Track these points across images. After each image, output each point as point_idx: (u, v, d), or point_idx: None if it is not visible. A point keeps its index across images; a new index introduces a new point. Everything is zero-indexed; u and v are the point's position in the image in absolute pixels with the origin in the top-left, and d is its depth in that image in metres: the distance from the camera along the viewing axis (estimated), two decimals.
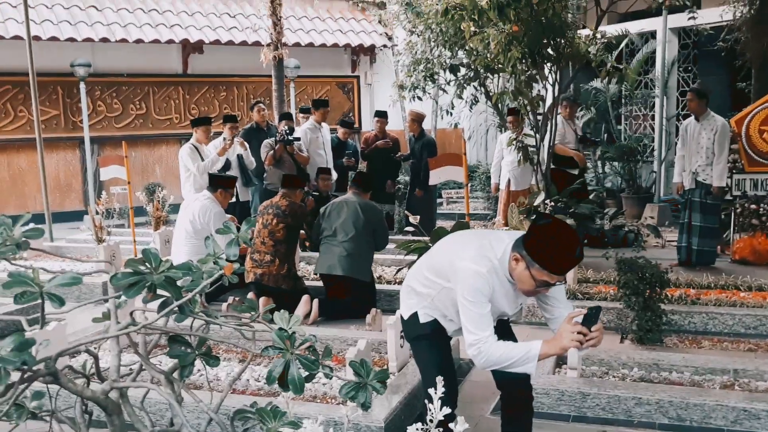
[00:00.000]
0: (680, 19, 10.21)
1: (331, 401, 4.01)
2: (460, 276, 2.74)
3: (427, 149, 9.41)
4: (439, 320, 3.02)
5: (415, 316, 3.05)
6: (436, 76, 9.31)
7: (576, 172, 8.31)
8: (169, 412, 3.70)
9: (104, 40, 11.85)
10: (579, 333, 2.53)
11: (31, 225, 1.74)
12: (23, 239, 1.69)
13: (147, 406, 2.17)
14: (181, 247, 6.26)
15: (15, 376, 1.61)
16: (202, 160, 7.99)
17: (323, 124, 9.07)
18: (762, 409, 3.66)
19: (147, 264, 1.67)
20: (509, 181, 8.80)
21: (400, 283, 6.51)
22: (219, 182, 6.50)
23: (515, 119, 8.71)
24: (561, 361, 4.41)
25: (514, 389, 3.00)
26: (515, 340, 3.05)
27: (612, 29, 9.97)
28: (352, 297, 6.00)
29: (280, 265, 6.01)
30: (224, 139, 8.15)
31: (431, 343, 3.05)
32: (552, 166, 7.84)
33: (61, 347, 1.80)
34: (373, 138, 9.58)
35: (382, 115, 9.59)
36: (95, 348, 1.98)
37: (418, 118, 9.56)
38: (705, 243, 7.31)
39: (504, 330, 2.98)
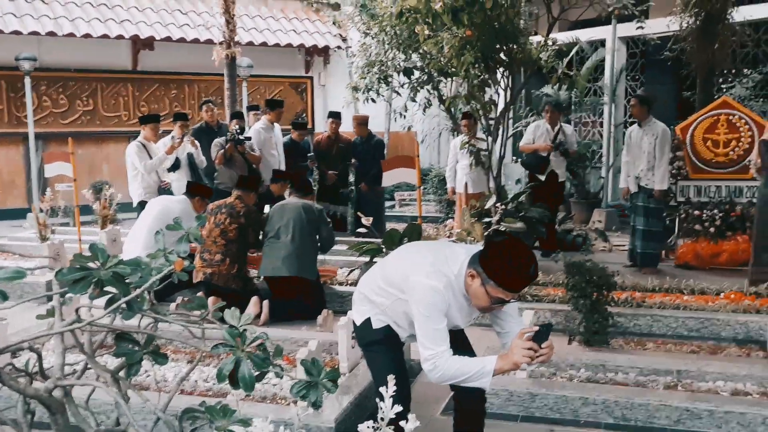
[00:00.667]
0: (629, 29, 10.43)
1: (281, 402, 3.97)
2: (416, 290, 2.73)
3: (378, 150, 9.41)
4: (391, 326, 3.01)
5: (368, 321, 3.03)
6: (389, 79, 9.32)
7: (543, 178, 8.37)
8: (114, 412, 3.62)
9: (51, 34, 11.57)
10: (530, 349, 2.56)
11: None
12: None
13: (92, 406, 2.12)
14: (142, 244, 6.20)
15: None
16: (150, 158, 7.85)
17: (276, 124, 9.00)
18: (704, 409, 3.76)
19: (94, 260, 1.63)
20: (466, 184, 8.84)
21: (353, 284, 6.52)
22: (198, 190, 6.61)
23: (469, 123, 8.76)
24: None
25: (466, 390, 3.02)
26: (470, 347, 3.07)
27: (563, 36, 10.17)
28: (299, 297, 5.97)
29: (231, 264, 5.95)
30: (173, 137, 8.01)
31: (384, 348, 3.03)
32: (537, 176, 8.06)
33: (2, 344, 1.74)
34: (326, 139, 9.54)
35: (335, 116, 9.56)
36: (38, 346, 1.92)
37: (363, 121, 9.55)
38: (648, 246, 7.50)
39: (458, 338, 2.99)
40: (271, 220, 6.17)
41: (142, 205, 7.50)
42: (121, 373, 2.00)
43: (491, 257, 2.60)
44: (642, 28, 9.48)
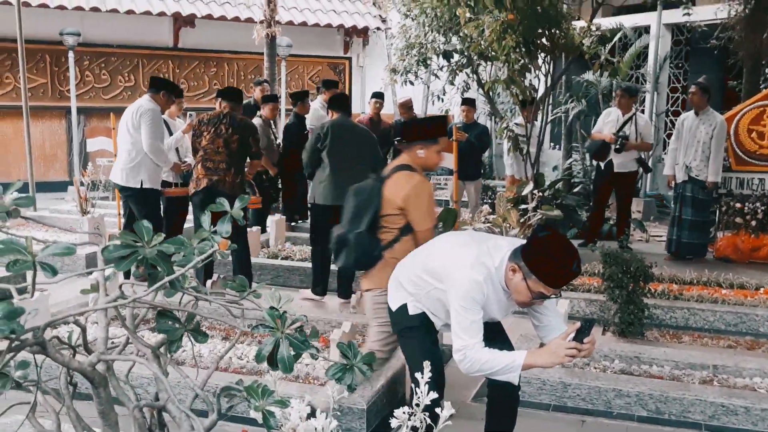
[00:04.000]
0: (674, 15, 10.23)
1: (314, 382, 4.01)
2: (455, 281, 2.73)
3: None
4: (427, 314, 3.02)
5: (404, 308, 3.03)
6: (428, 61, 9.29)
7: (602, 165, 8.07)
8: (152, 387, 3.70)
9: (95, 9, 11.71)
10: (572, 348, 2.55)
11: (19, 194, 1.71)
12: (13, 207, 1.66)
13: (131, 379, 2.16)
14: (120, 154, 6.25)
15: (2, 344, 1.59)
16: (171, 134, 7.68)
17: None
18: (740, 405, 3.71)
19: (139, 237, 1.66)
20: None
21: None
22: (163, 85, 6.41)
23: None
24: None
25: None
26: (506, 340, 3.07)
27: (606, 22, 10.00)
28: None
29: (235, 174, 5.95)
30: (190, 114, 7.74)
31: (419, 334, 3.03)
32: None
33: (47, 318, 1.78)
34: (368, 121, 9.49)
35: (379, 96, 9.48)
36: (83, 319, 1.96)
37: (409, 105, 9.51)
38: (695, 236, 7.41)
39: (495, 330, 2.98)
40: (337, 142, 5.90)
41: (163, 183, 7.39)
42: (161, 349, 2.03)
43: (534, 252, 2.58)
44: (689, 15, 9.30)
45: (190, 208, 6.54)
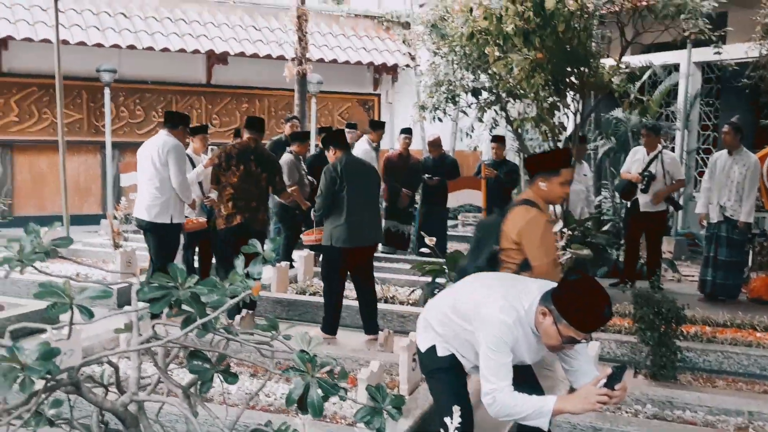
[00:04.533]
0: (705, 54, 10.18)
1: (341, 421, 3.99)
2: (485, 323, 2.71)
3: (453, 169, 9.42)
4: (456, 356, 2.99)
5: (432, 349, 3.01)
6: (457, 98, 9.34)
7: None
8: (180, 424, 3.72)
9: (131, 47, 11.99)
10: (603, 395, 2.52)
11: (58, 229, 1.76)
12: (52, 247, 1.70)
13: (160, 416, 2.18)
14: (145, 191, 6.31)
15: (38, 384, 1.62)
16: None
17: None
18: None
19: (173, 279, 1.68)
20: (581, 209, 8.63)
21: (414, 304, 6.52)
22: (180, 119, 6.56)
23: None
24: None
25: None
26: (537, 384, 3.03)
27: (636, 60, 9.99)
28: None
29: (263, 211, 6.32)
30: (212, 149, 7.73)
31: (448, 377, 3.01)
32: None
33: (80, 356, 1.81)
34: (397, 156, 9.56)
35: (408, 132, 9.60)
36: (116, 358, 1.99)
37: (437, 143, 9.61)
38: (730, 277, 7.31)
39: (525, 373, 2.95)
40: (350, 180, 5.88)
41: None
42: (192, 389, 2.04)
43: (565, 295, 2.57)
44: (719, 53, 9.26)
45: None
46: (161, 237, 6.32)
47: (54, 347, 1.49)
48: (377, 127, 9.27)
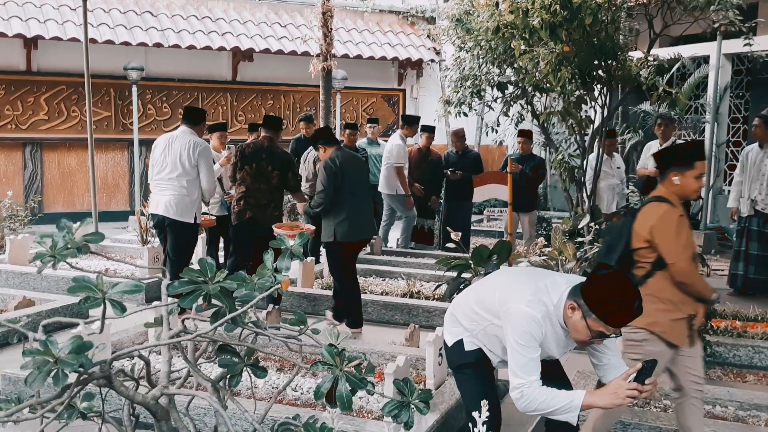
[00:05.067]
0: (735, 45, 10.03)
1: (367, 416, 4.00)
2: (512, 318, 2.70)
3: (476, 163, 9.36)
4: (483, 350, 2.98)
5: (459, 343, 3.01)
6: (482, 93, 9.30)
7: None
8: (208, 417, 3.75)
9: (158, 45, 12.09)
10: (633, 390, 2.50)
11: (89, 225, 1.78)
12: (84, 243, 1.73)
13: (189, 410, 2.20)
14: (169, 188, 6.23)
15: (71, 377, 1.64)
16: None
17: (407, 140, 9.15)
18: None
19: (203, 274, 1.70)
20: (611, 202, 8.56)
21: (439, 299, 6.51)
22: (201, 116, 6.50)
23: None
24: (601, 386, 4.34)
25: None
26: (565, 379, 3.01)
27: (664, 52, 9.87)
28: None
29: (274, 208, 6.43)
30: (229, 147, 7.70)
31: (475, 372, 3.00)
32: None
33: (110, 350, 1.83)
34: (416, 152, 9.55)
35: (429, 130, 9.54)
36: (146, 353, 2.01)
37: (461, 134, 9.52)
38: (761, 271, 7.19)
39: (553, 367, 2.93)
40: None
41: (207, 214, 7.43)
42: (221, 382, 2.06)
43: (594, 290, 2.54)
44: (750, 45, 9.11)
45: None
46: (184, 235, 6.32)
47: (86, 341, 1.51)
48: (411, 122, 9.23)
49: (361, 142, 9.69)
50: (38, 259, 1.65)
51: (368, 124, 9.93)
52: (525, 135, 8.97)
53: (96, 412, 1.93)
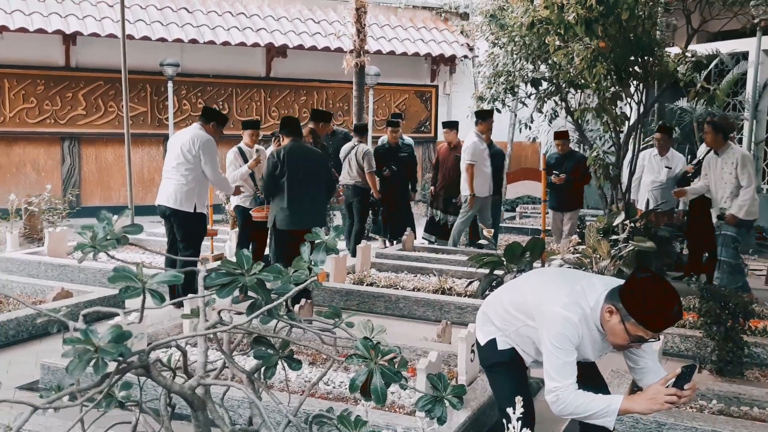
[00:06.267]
0: None
1: (399, 410, 4.00)
2: (548, 320, 2.66)
3: (497, 159, 9.29)
4: (516, 350, 2.96)
5: (492, 342, 2.98)
6: (516, 89, 9.23)
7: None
8: (242, 409, 3.79)
9: (193, 41, 12.22)
10: (672, 395, 2.45)
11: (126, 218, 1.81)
12: (123, 234, 1.75)
13: (224, 401, 2.22)
14: (171, 178, 6.38)
15: (110, 366, 1.67)
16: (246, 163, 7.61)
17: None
18: None
19: (240, 266, 1.71)
20: (648, 201, 8.43)
21: (471, 296, 6.49)
22: (214, 115, 6.59)
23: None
24: (636, 387, 4.29)
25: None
26: (601, 382, 2.97)
27: (702, 48, 9.71)
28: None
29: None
30: (257, 150, 7.71)
31: (508, 371, 2.97)
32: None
33: (146, 341, 1.86)
34: (446, 149, 9.54)
35: (452, 126, 9.56)
36: (183, 343, 2.03)
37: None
38: None
39: (589, 370, 2.89)
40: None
41: (238, 209, 7.58)
42: (255, 374, 2.08)
43: (633, 294, 2.49)
44: None
45: None
46: (186, 225, 6.42)
47: (126, 330, 1.53)
48: (485, 117, 8.89)
49: (383, 138, 9.76)
50: (79, 250, 1.67)
51: (389, 127, 9.88)
52: (562, 137, 8.88)
53: (134, 401, 1.96)
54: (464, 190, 8.79)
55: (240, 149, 7.70)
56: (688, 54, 7.37)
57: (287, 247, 6.23)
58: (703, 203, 7.44)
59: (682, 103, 11.49)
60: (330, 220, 9.59)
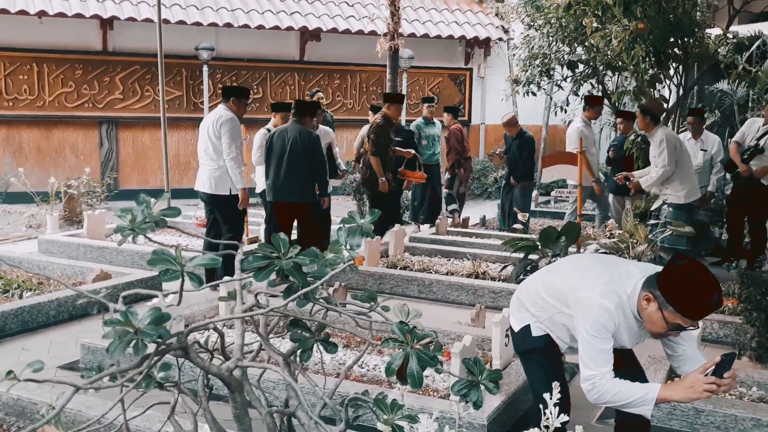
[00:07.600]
0: None
1: (433, 394, 4.01)
2: (584, 307, 2.62)
3: (527, 145, 9.15)
4: (551, 336, 2.93)
5: (527, 329, 2.95)
6: (552, 72, 9.13)
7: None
8: (277, 390, 3.83)
9: (228, 25, 12.26)
10: (712, 384, 2.41)
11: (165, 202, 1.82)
12: (161, 217, 1.77)
13: (260, 384, 2.24)
14: (205, 164, 6.52)
15: (150, 348, 1.69)
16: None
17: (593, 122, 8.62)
18: None
19: (275, 249, 1.72)
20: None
21: (505, 280, 6.46)
22: (230, 92, 6.61)
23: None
24: (673, 373, 4.24)
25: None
26: (639, 369, 2.93)
27: (744, 30, 9.49)
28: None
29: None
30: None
31: (543, 358, 2.94)
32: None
33: (183, 323, 1.88)
34: (459, 131, 9.80)
35: (451, 111, 10.04)
36: (221, 325, 2.06)
37: (512, 122, 9.22)
38: None
39: (626, 357, 2.85)
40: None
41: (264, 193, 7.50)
42: (291, 357, 2.09)
43: (671, 281, 2.44)
44: None
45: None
46: (224, 208, 6.47)
47: (165, 312, 1.55)
48: (594, 102, 8.30)
49: (418, 121, 9.76)
50: (119, 233, 1.69)
51: (425, 104, 9.91)
52: (625, 116, 8.36)
53: (172, 382, 1.98)
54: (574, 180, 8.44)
55: (269, 131, 7.65)
56: (730, 35, 7.23)
57: (274, 218, 7.01)
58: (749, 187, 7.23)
59: (723, 85, 11.24)
60: (363, 204, 9.58)
